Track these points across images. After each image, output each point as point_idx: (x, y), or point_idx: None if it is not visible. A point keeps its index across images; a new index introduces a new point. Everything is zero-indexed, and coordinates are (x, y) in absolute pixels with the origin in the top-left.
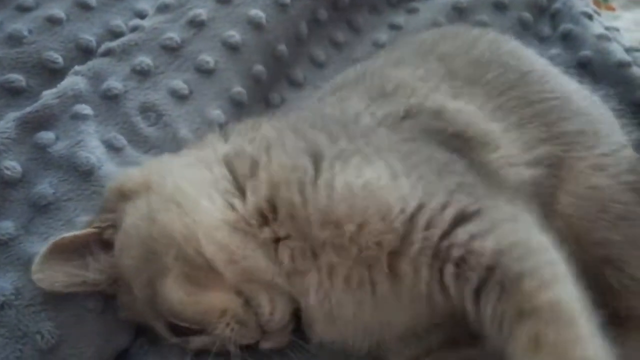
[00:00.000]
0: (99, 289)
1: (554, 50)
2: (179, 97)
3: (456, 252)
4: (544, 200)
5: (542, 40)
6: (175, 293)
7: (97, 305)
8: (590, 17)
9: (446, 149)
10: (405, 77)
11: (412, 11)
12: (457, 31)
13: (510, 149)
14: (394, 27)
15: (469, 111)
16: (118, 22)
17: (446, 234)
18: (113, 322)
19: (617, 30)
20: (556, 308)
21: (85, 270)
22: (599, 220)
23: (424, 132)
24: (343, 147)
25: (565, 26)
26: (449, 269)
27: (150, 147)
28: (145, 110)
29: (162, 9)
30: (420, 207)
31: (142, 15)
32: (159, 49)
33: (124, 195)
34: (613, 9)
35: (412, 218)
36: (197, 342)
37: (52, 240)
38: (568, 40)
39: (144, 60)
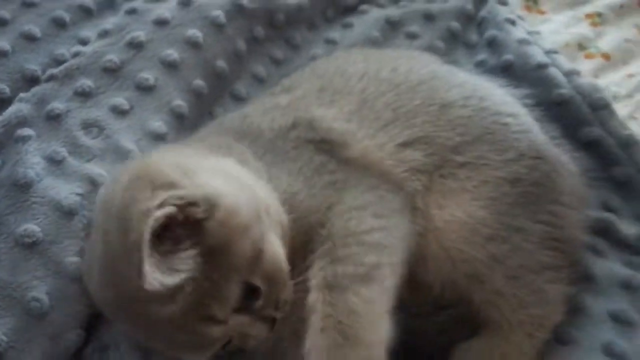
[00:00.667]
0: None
1: (481, 56)
2: (120, 112)
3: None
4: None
5: (470, 47)
6: (279, 248)
7: (41, 307)
8: (513, 23)
9: (320, 152)
10: (292, 97)
11: (347, 26)
12: (341, 54)
13: (372, 147)
14: (330, 41)
15: (329, 116)
16: (62, 50)
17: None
18: (59, 323)
19: (538, 33)
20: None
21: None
22: (468, 242)
23: (304, 141)
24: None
25: (490, 33)
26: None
27: (92, 156)
28: (87, 126)
29: (103, 34)
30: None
31: (85, 43)
32: (100, 71)
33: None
34: (543, 13)
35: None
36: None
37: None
38: (493, 45)
39: (86, 82)
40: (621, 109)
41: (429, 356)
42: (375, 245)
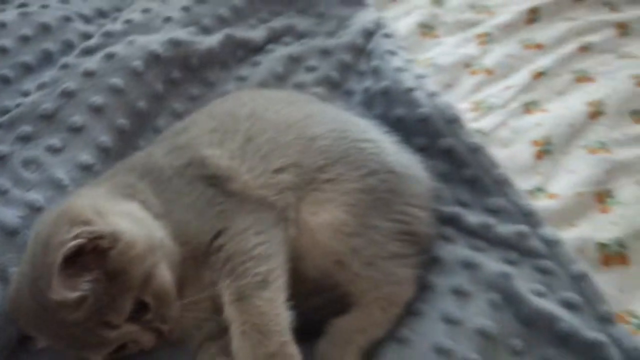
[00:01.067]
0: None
1: (367, 83)
2: (54, 151)
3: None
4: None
5: (361, 75)
6: (167, 275)
7: None
8: (393, 53)
9: (209, 187)
10: (189, 136)
11: (255, 64)
12: (235, 96)
13: (250, 180)
14: (240, 78)
15: (216, 155)
16: (8, 102)
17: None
18: None
19: (413, 62)
20: (261, 310)
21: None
22: (333, 238)
23: (197, 177)
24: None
25: (374, 62)
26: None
27: (31, 186)
28: (27, 163)
29: (41, 86)
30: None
31: (27, 95)
32: (37, 118)
33: (99, 214)
34: (437, 36)
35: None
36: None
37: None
38: (376, 73)
39: (25, 128)
40: (495, 118)
41: (311, 332)
42: (263, 256)
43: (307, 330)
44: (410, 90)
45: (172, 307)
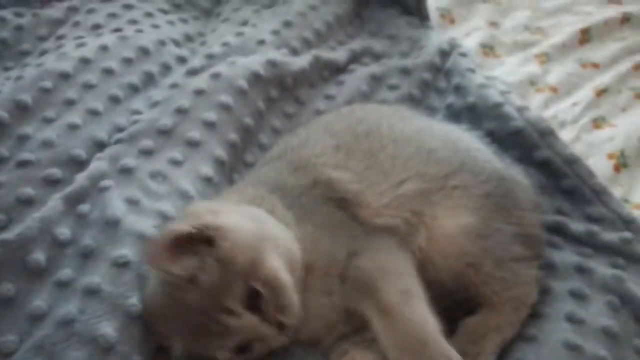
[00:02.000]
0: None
1: (450, 100)
2: (176, 163)
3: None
4: (411, 237)
5: (441, 93)
6: (278, 264)
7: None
8: (473, 71)
9: (339, 209)
10: (309, 153)
11: (340, 83)
12: (346, 111)
13: (374, 205)
14: (329, 97)
15: (345, 179)
16: (121, 120)
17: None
18: None
19: (495, 78)
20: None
21: (177, 263)
22: (460, 246)
23: (325, 198)
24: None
25: (455, 80)
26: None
27: (160, 197)
28: (154, 175)
29: (154, 104)
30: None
31: (137, 113)
32: (156, 133)
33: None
34: (498, 56)
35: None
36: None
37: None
38: (458, 91)
39: (147, 142)
40: (568, 133)
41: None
42: (400, 272)
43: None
44: (499, 105)
45: (288, 298)
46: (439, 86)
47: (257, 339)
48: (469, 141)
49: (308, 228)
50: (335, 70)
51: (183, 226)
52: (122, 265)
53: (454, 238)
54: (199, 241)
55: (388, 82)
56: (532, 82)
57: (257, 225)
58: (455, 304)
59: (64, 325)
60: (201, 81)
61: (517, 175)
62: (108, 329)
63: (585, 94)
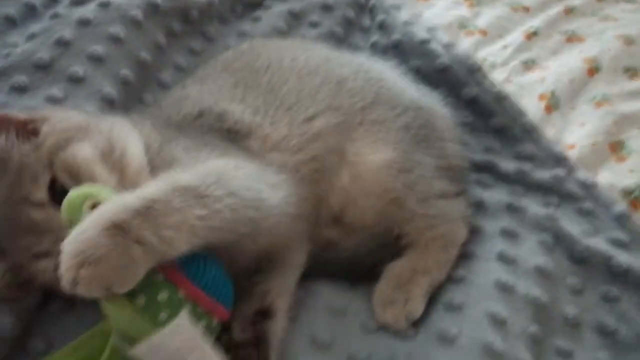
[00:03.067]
0: None
1: (374, 38)
2: (55, 101)
3: None
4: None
5: (364, 31)
6: (88, 151)
7: None
8: (398, 8)
9: (224, 140)
10: (204, 89)
11: (256, 19)
12: (247, 48)
13: (272, 138)
14: (242, 34)
15: (238, 110)
16: None
17: None
18: None
19: (420, 16)
20: None
21: None
22: (383, 182)
23: (210, 128)
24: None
25: (380, 17)
26: None
27: None
28: None
29: (30, 37)
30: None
31: (14, 47)
32: (32, 67)
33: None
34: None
35: None
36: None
37: None
38: (383, 28)
39: (21, 78)
40: (498, 75)
41: (364, 276)
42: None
43: (360, 275)
44: (425, 41)
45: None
46: (362, 24)
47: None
48: (380, 71)
49: (170, 148)
50: (250, 5)
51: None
52: None
53: (376, 174)
54: (28, 133)
55: (308, 18)
56: (461, 25)
57: (90, 122)
58: (380, 247)
59: None
60: (87, 11)
61: (435, 104)
62: None
63: (515, 36)
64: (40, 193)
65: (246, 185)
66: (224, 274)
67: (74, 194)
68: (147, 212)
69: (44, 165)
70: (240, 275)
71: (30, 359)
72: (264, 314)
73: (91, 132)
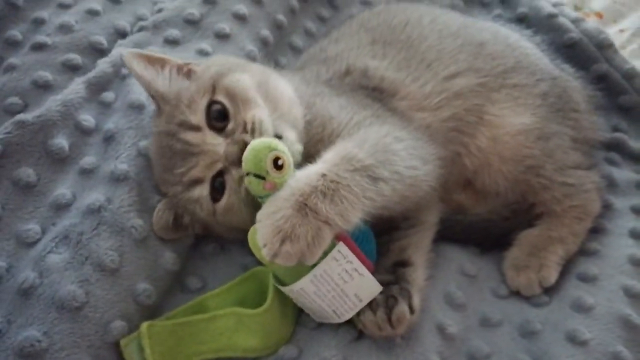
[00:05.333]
0: (155, 96)
1: (496, 11)
2: (205, 54)
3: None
4: (462, 138)
5: (485, 5)
6: (246, 79)
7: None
8: None
9: (370, 98)
10: (343, 47)
11: None
12: (382, 9)
13: (416, 96)
14: (366, 2)
15: (382, 66)
16: (144, 11)
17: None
18: None
19: None
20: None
21: (156, 78)
22: (521, 147)
23: (357, 86)
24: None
25: None
26: None
27: None
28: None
29: None
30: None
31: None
32: (182, 22)
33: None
34: None
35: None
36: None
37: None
38: (506, 2)
39: (173, 31)
40: None
41: (498, 242)
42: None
43: (493, 242)
44: (553, 15)
45: (251, 113)
46: None
47: (223, 162)
48: (517, 37)
49: (321, 103)
50: None
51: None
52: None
53: (515, 138)
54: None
55: None
56: (577, 7)
57: (244, 62)
58: (513, 214)
59: (90, 214)
60: None
61: (568, 75)
62: (138, 220)
63: (632, 21)
64: (198, 116)
65: (407, 164)
66: (369, 232)
67: (258, 143)
68: (332, 194)
69: (204, 90)
70: (380, 231)
71: (188, 295)
72: (403, 264)
73: (248, 68)
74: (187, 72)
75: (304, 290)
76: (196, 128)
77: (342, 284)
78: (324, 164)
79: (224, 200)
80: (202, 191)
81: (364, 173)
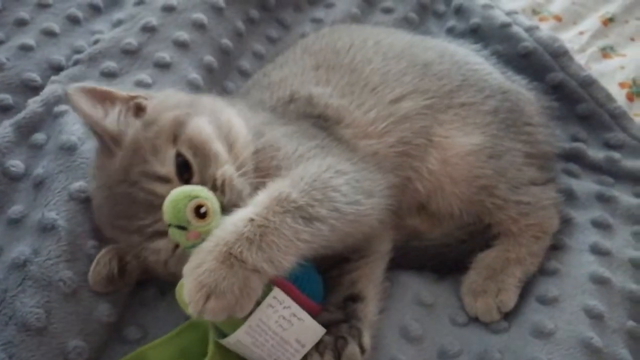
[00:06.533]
0: (102, 136)
1: (450, 23)
2: (144, 86)
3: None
4: (411, 163)
5: (439, 17)
6: (207, 126)
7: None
8: None
9: (315, 127)
10: (287, 73)
11: (329, 6)
12: (326, 31)
13: (361, 123)
14: (316, 20)
15: (326, 93)
16: (81, 42)
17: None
18: None
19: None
20: None
21: (105, 116)
22: (472, 168)
23: (302, 114)
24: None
25: (456, 1)
26: None
27: None
28: None
29: (117, 24)
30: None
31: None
32: (120, 53)
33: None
34: None
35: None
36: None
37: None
38: (460, 12)
39: (110, 64)
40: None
41: (455, 266)
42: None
43: (451, 266)
44: (506, 25)
45: (214, 155)
46: (437, 9)
47: None
48: (465, 54)
49: (269, 133)
50: None
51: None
52: (83, 200)
53: (465, 159)
54: (132, 110)
55: (381, 4)
56: (535, 11)
57: (193, 98)
58: (470, 236)
59: (15, 269)
60: None
61: (520, 87)
62: (67, 272)
63: (591, 23)
64: (167, 167)
65: (349, 200)
66: (312, 270)
67: (177, 193)
68: (260, 240)
69: (167, 140)
70: (328, 266)
71: (126, 346)
72: (354, 299)
73: (200, 108)
74: (135, 107)
75: (241, 342)
76: (165, 180)
77: (280, 331)
78: (254, 207)
79: (179, 250)
80: (166, 244)
81: (297, 214)
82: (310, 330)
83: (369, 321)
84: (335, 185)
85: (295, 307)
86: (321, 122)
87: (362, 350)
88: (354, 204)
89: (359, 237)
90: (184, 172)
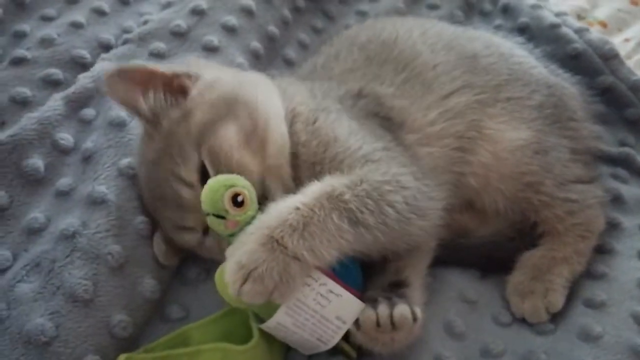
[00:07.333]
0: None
1: (497, 22)
2: None
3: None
4: (465, 157)
5: (485, 15)
6: (232, 136)
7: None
8: None
9: (381, 127)
10: (344, 67)
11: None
12: (371, 23)
13: (422, 125)
14: (360, 13)
15: (389, 93)
16: (130, 23)
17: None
18: None
19: (546, 0)
20: None
21: (142, 100)
22: (520, 164)
23: (371, 113)
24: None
25: (503, 1)
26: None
27: None
28: None
29: (166, 5)
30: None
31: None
32: (169, 35)
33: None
34: None
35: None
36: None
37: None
38: (507, 12)
39: (159, 44)
40: None
41: (501, 265)
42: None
43: (496, 264)
44: (556, 26)
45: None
46: (483, 8)
47: None
48: (509, 46)
49: (332, 122)
50: None
51: (156, 66)
52: (131, 176)
53: (513, 154)
54: (175, 90)
55: (427, 1)
56: (580, 16)
57: (238, 87)
58: (519, 234)
59: (64, 240)
60: None
61: (564, 81)
62: (115, 246)
63: (637, 30)
64: (192, 174)
65: (399, 217)
66: (352, 260)
67: (214, 183)
68: (304, 229)
69: (193, 145)
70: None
71: (168, 324)
72: (399, 284)
73: (238, 107)
74: (178, 88)
75: (281, 324)
76: (189, 185)
77: (319, 309)
78: (302, 196)
79: (208, 241)
80: (193, 236)
81: (344, 214)
82: (350, 305)
83: (418, 304)
84: (391, 201)
85: (332, 284)
86: (386, 124)
87: (415, 318)
88: (404, 223)
89: (402, 248)
90: (206, 179)
